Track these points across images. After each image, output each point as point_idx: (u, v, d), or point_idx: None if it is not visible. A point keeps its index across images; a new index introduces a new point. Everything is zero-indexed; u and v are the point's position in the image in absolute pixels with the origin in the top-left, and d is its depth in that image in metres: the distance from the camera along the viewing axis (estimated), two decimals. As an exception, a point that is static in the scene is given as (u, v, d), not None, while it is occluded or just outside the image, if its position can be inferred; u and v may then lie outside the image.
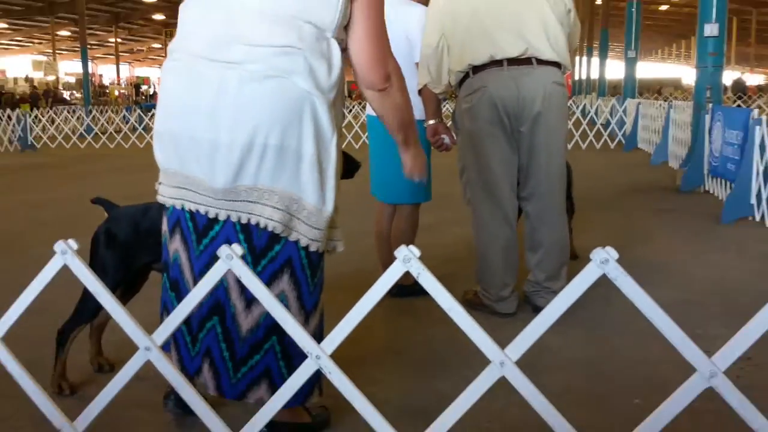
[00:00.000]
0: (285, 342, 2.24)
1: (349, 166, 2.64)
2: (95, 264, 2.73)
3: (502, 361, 1.54)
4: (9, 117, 16.95)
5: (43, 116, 18.69)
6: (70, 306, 2.82)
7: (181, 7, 2.27)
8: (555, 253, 3.75)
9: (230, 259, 1.67)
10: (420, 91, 3.77)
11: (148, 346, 1.75)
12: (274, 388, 2.22)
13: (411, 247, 1.55)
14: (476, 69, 3.56)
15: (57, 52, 45.54)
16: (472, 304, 3.76)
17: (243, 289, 2.20)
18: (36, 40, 56.15)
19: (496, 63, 3.51)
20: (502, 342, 1.56)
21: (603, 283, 1.50)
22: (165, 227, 2.37)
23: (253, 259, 2.18)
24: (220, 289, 2.20)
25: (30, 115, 17.38)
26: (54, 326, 2.86)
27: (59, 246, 1.75)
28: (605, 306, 3.71)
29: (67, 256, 1.75)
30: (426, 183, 3.94)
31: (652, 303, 1.48)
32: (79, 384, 2.92)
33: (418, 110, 3.83)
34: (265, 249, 2.19)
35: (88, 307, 2.74)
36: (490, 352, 1.55)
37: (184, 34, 2.24)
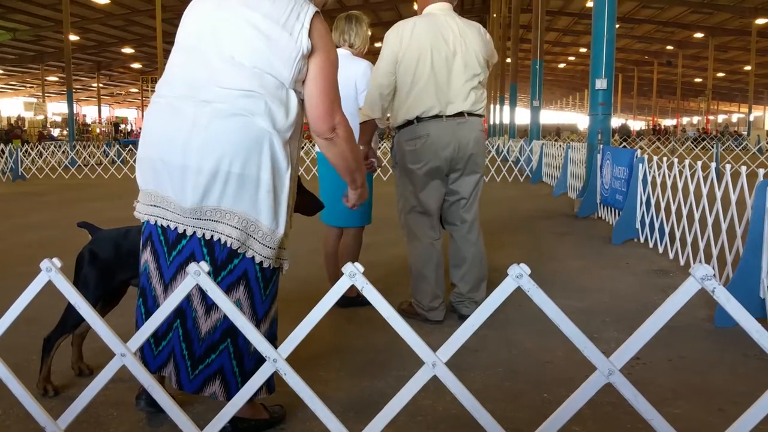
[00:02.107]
0: (238, 344, 2.23)
1: (313, 205, 2.64)
2: (79, 280, 2.65)
3: (434, 362, 1.52)
4: (2, 151, 16.58)
5: (32, 150, 18.19)
6: (55, 316, 2.73)
7: (171, 53, 2.28)
8: (476, 268, 3.76)
9: (198, 275, 1.63)
10: (362, 123, 3.76)
11: (123, 353, 1.69)
12: (226, 384, 2.24)
13: (356, 263, 1.54)
14: (420, 118, 3.61)
15: (46, 94, 44.50)
16: (407, 313, 3.76)
17: (203, 297, 2.20)
18: (27, 84, 54.84)
19: (437, 116, 3.60)
20: (434, 345, 1.55)
21: (515, 293, 1.50)
22: (142, 239, 2.34)
23: (214, 270, 2.18)
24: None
25: (21, 149, 16.90)
26: (40, 334, 2.77)
27: (45, 264, 1.69)
28: (518, 313, 3.74)
29: (51, 273, 1.69)
30: (368, 208, 4.01)
31: (559, 311, 1.48)
32: (62, 386, 2.81)
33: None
34: (225, 262, 2.19)
35: (72, 318, 2.67)
36: (424, 354, 1.53)
37: (169, 76, 2.23)
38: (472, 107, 3.64)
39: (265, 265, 2.22)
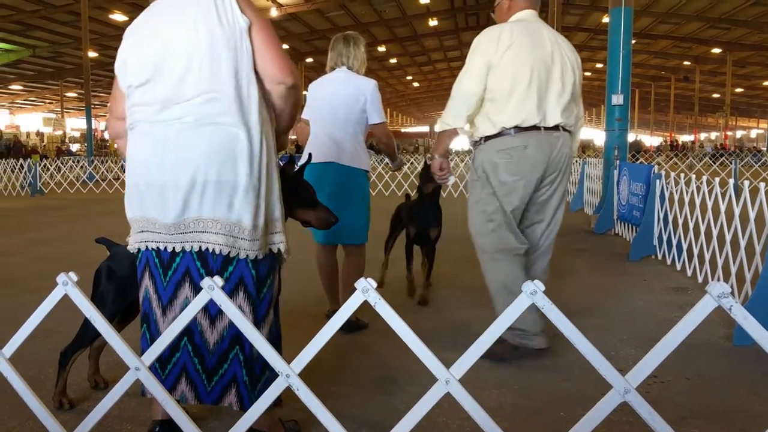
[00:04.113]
0: (245, 352, 2.25)
1: (327, 219, 2.67)
2: (97, 295, 2.68)
3: (447, 379, 1.52)
4: (21, 166, 16.81)
5: (50, 165, 18.41)
6: (72, 330, 2.75)
7: (129, 91, 2.28)
8: None
9: (212, 290, 1.64)
10: (440, 132, 3.48)
11: (138, 367, 1.70)
12: (239, 394, 2.26)
13: (369, 279, 1.54)
14: (519, 128, 3.30)
15: (65, 110, 45.03)
16: (498, 353, 3.28)
17: (206, 309, 2.21)
18: (47, 100, 55.51)
19: (536, 126, 3.31)
20: (448, 362, 1.54)
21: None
22: (139, 268, 2.34)
23: None
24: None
25: (39, 164, 17.13)
26: (57, 348, 2.80)
27: (61, 278, 1.71)
28: (533, 331, 3.71)
29: (68, 286, 1.71)
30: (368, 222, 3.98)
31: (574, 329, 1.48)
32: (78, 399, 2.84)
33: (363, 162, 3.87)
34: (220, 271, 2.21)
35: (88, 332, 2.70)
36: (437, 371, 1.53)
37: (136, 108, 2.25)
38: (567, 121, 3.38)
39: (260, 257, 2.24)
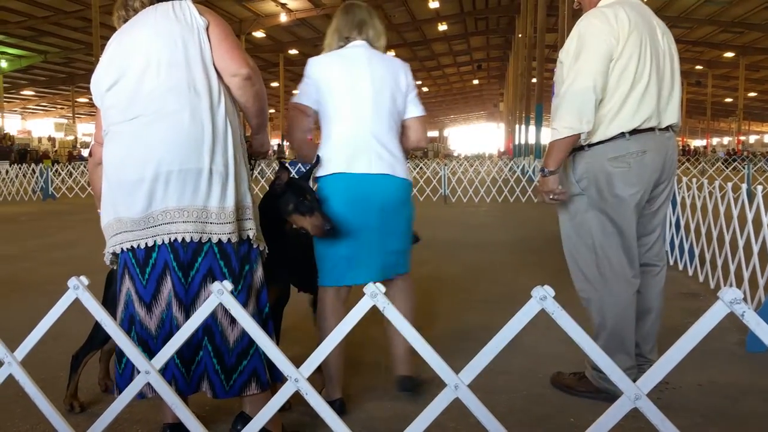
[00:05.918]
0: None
1: (328, 229, 2.62)
2: (109, 297, 2.69)
3: (456, 385, 1.52)
4: (33, 171, 16.95)
5: (62, 170, 18.55)
6: (83, 333, 2.77)
7: (103, 98, 2.33)
8: (659, 321, 3.10)
9: (221, 294, 1.65)
10: (559, 139, 2.80)
11: (148, 370, 1.71)
12: (261, 385, 2.29)
13: (377, 284, 1.54)
14: (636, 131, 2.80)
15: (76, 115, 45.36)
16: (576, 390, 2.99)
17: (226, 310, 2.22)
18: (58, 106, 55.95)
19: (651, 128, 2.84)
20: (458, 368, 1.54)
21: (543, 315, 1.49)
22: (118, 273, 2.34)
23: (183, 273, 2.22)
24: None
25: (51, 169, 17.25)
26: (68, 351, 2.82)
27: (72, 282, 1.72)
28: (544, 336, 3.70)
29: (79, 290, 1.72)
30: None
31: (584, 334, 1.48)
32: (89, 402, 2.85)
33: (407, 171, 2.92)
34: (191, 262, 2.23)
35: (99, 335, 2.72)
36: (446, 376, 1.53)
37: (108, 112, 2.30)
38: (678, 120, 2.94)
39: (233, 239, 2.25)
